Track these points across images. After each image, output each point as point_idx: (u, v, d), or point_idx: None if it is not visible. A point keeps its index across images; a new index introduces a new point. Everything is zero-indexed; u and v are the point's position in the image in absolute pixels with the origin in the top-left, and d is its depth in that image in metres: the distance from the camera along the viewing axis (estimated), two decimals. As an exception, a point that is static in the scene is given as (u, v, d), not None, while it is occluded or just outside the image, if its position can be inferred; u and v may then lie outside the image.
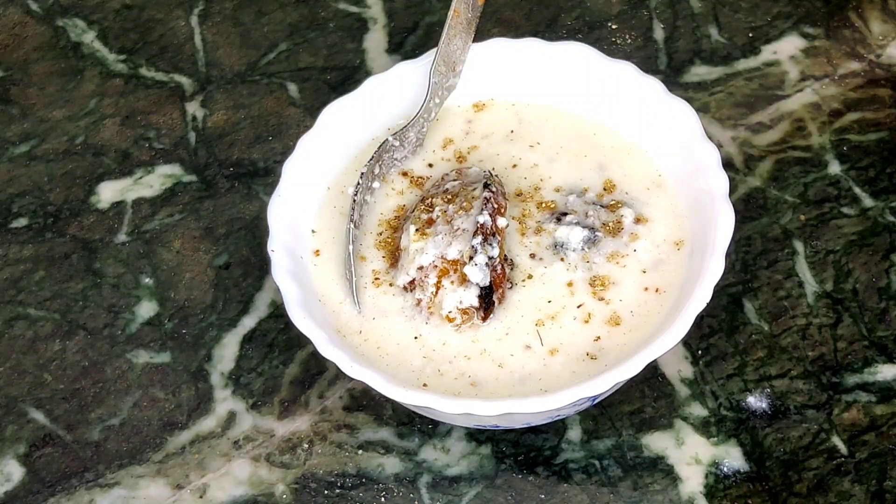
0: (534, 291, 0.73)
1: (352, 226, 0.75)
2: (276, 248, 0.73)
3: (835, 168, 0.86)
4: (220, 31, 0.99)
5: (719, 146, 0.84)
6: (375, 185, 0.78)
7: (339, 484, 0.75)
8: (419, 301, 0.73)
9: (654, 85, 0.78)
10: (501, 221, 0.74)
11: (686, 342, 0.79)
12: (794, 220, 0.84)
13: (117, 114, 0.94)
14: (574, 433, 0.76)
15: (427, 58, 0.81)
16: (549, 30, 0.96)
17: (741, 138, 0.88)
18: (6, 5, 1.02)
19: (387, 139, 0.78)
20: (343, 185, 0.79)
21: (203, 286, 0.84)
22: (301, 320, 0.70)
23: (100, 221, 0.88)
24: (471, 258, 0.72)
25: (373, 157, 0.77)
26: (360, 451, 0.77)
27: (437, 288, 0.72)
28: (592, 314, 0.72)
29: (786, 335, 0.79)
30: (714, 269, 0.69)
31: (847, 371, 0.78)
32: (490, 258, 0.72)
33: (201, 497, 0.76)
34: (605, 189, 0.77)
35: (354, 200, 0.76)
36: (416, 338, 0.72)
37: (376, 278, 0.75)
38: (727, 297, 0.81)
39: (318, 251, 0.76)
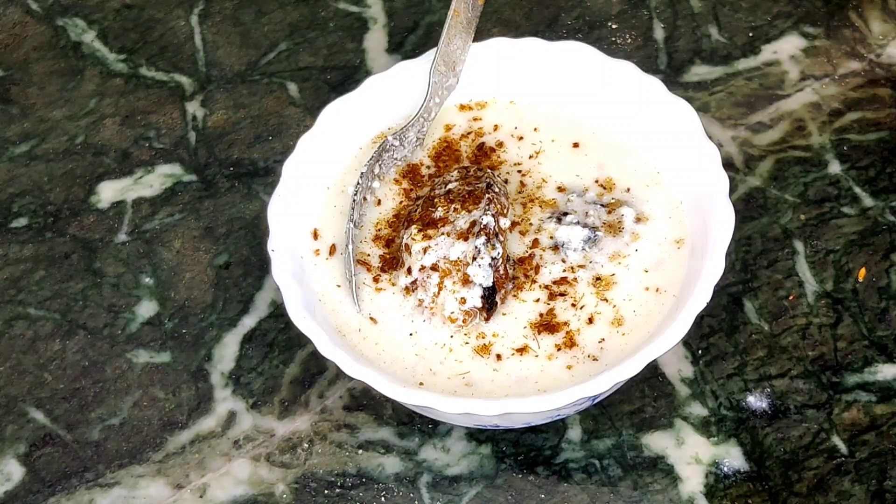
0: (534, 292, 0.73)
1: (352, 226, 0.75)
2: (276, 247, 0.73)
3: (835, 168, 0.86)
4: (220, 30, 0.99)
5: (719, 146, 0.84)
6: (375, 184, 0.78)
7: (339, 484, 0.75)
8: (421, 302, 0.73)
9: (654, 84, 0.78)
10: (504, 222, 0.74)
11: (686, 342, 0.79)
12: (794, 220, 0.84)
13: (117, 113, 0.94)
14: (574, 433, 0.76)
15: (427, 57, 0.81)
16: (549, 29, 0.96)
17: (741, 138, 0.88)
18: (6, 5, 1.02)
19: (387, 139, 0.78)
20: (343, 185, 0.79)
21: (203, 286, 0.84)
22: (301, 320, 0.70)
23: (100, 221, 0.88)
24: (474, 259, 0.72)
25: (373, 156, 0.77)
26: (360, 451, 0.77)
27: (440, 289, 0.72)
28: (596, 315, 0.72)
29: (786, 335, 0.79)
30: (714, 268, 0.69)
31: (847, 371, 0.78)
32: (493, 259, 0.72)
33: (201, 497, 0.76)
34: (605, 188, 0.77)
35: (354, 200, 0.76)
36: (410, 335, 0.72)
37: (376, 277, 0.75)
38: (727, 297, 0.81)
39: (317, 251, 0.76)
